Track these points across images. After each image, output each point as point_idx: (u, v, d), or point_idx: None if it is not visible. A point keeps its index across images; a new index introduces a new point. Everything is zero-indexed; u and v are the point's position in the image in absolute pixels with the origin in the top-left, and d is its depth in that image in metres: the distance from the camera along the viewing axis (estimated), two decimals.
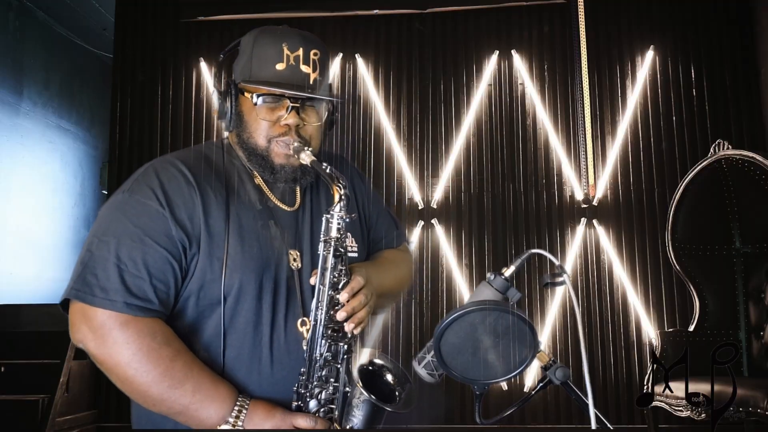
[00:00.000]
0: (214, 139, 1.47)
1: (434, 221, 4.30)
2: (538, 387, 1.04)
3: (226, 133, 1.44)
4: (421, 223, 4.31)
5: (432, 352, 1.04)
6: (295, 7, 4.56)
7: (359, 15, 4.56)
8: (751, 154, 3.19)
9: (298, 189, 1.40)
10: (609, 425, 0.97)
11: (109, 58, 5.26)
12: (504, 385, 4.07)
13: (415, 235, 4.30)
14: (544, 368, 1.02)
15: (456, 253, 4.26)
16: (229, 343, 1.25)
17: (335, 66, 4.51)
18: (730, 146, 3.34)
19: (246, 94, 1.30)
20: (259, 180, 1.36)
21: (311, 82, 1.29)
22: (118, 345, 1.15)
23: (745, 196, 3.45)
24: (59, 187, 5.99)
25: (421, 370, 1.10)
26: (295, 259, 1.31)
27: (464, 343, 0.99)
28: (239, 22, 4.54)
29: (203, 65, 4.55)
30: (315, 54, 1.31)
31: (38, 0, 5.51)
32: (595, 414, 0.93)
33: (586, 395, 0.96)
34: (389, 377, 1.26)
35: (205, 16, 4.57)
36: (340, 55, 4.53)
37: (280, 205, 1.36)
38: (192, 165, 1.30)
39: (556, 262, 1.03)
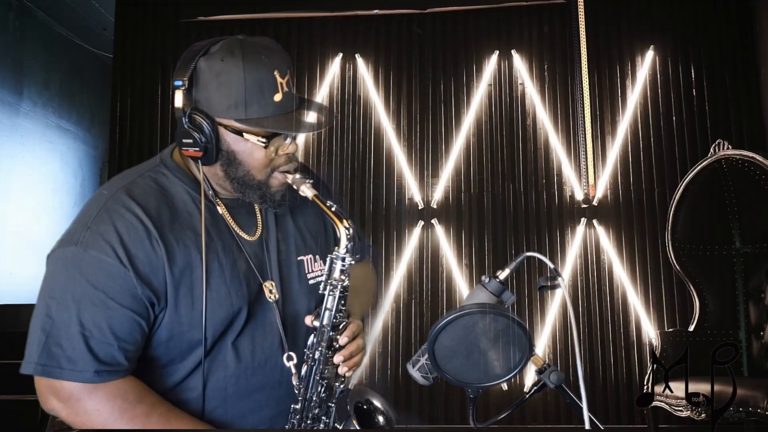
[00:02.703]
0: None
1: (434, 221, 4.30)
2: (533, 390, 1.04)
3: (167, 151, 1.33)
4: (421, 223, 4.31)
5: (426, 355, 1.04)
6: (295, 7, 4.56)
7: (359, 15, 4.56)
8: (751, 154, 3.19)
9: (258, 214, 1.32)
10: (600, 426, 0.97)
11: (109, 58, 5.26)
12: (504, 386, 4.07)
13: (415, 235, 4.30)
14: (539, 372, 1.01)
15: (456, 253, 4.26)
16: (209, 385, 1.22)
17: (335, 66, 4.51)
18: (730, 146, 3.33)
19: (245, 135, 1.18)
20: (222, 209, 1.27)
21: (297, 101, 1.23)
22: (89, 413, 1.12)
23: (745, 196, 3.45)
24: (59, 187, 6.00)
25: (415, 373, 1.10)
26: (271, 291, 1.26)
27: (458, 347, 0.99)
28: (239, 22, 4.54)
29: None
30: (291, 68, 1.23)
31: (38, 0, 5.51)
32: (590, 417, 0.93)
33: (580, 398, 0.96)
34: (381, 418, 1.24)
35: (205, 16, 4.57)
36: (340, 55, 4.53)
37: (244, 235, 1.28)
38: (149, 206, 1.18)
39: (551, 266, 1.02)
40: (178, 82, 1.21)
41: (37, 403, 3.80)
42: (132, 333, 1.14)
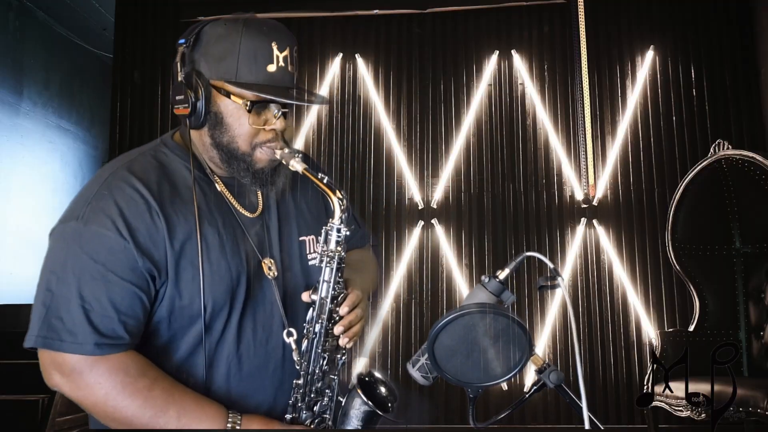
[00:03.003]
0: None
1: (434, 221, 4.30)
2: (532, 390, 1.04)
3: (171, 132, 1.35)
4: (421, 223, 4.31)
5: (426, 355, 1.04)
6: (295, 7, 4.56)
7: (359, 15, 4.56)
8: (751, 154, 3.19)
9: (259, 192, 1.32)
10: (600, 426, 0.97)
11: (109, 58, 5.26)
12: (504, 385, 4.07)
13: (415, 235, 4.30)
14: (538, 371, 1.01)
15: (456, 253, 4.26)
16: (211, 362, 1.22)
17: (335, 66, 4.52)
18: (730, 146, 3.33)
19: (233, 97, 1.20)
20: (221, 186, 1.28)
21: (295, 82, 1.24)
22: (90, 386, 1.12)
23: (745, 196, 3.45)
24: (59, 187, 6.00)
25: (415, 373, 1.10)
26: (270, 268, 1.26)
27: (458, 346, 0.99)
28: None
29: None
30: (295, 51, 1.24)
31: (38, 0, 5.51)
32: (589, 417, 0.93)
33: (580, 397, 0.96)
34: (383, 389, 1.24)
35: (205, 16, 4.53)
36: (340, 55, 4.53)
37: (244, 213, 1.28)
38: (149, 181, 1.19)
39: (551, 266, 1.02)
40: (182, 41, 1.26)
41: (37, 403, 3.78)
42: (132, 306, 1.14)
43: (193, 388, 1.20)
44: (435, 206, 4.32)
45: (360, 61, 4.51)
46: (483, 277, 1.07)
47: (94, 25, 5.90)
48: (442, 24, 4.53)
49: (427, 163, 4.39)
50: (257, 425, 1.17)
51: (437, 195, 4.32)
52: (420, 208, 4.33)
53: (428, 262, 4.28)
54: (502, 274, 1.07)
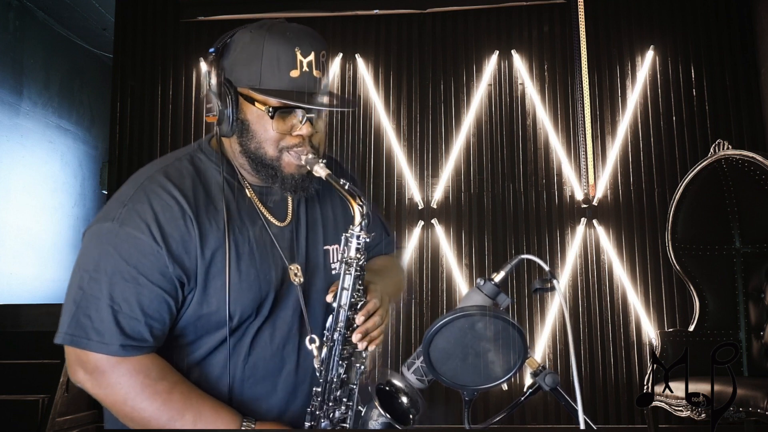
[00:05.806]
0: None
1: (434, 221, 4.30)
2: (528, 393, 1.04)
3: (207, 137, 1.35)
4: (421, 223, 4.31)
5: (421, 358, 1.04)
6: (295, 7, 4.56)
7: (359, 15, 4.56)
8: (751, 154, 3.19)
9: (290, 201, 1.33)
10: (593, 426, 0.97)
11: (109, 58, 5.26)
12: (504, 385, 4.07)
13: (415, 235, 4.30)
14: (534, 374, 1.01)
15: (456, 253, 4.26)
16: (226, 363, 1.23)
17: (335, 66, 4.52)
18: (730, 146, 3.33)
19: (257, 104, 1.20)
20: (251, 194, 1.28)
21: (322, 88, 1.23)
22: (112, 386, 1.14)
23: (745, 196, 3.45)
24: (59, 187, 6.00)
25: (410, 376, 1.10)
26: (296, 274, 1.27)
27: (453, 349, 0.99)
28: (239, 22, 4.52)
29: (203, 65, 4.54)
30: (323, 56, 1.24)
31: (38, 0, 5.52)
32: (585, 420, 0.93)
33: (575, 399, 0.95)
34: (404, 399, 1.22)
35: (205, 16, 4.57)
36: (340, 55, 4.53)
37: (274, 221, 1.29)
38: (185, 187, 1.20)
39: (546, 268, 1.02)
40: (211, 50, 1.27)
41: (37, 403, 3.79)
42: (159, 311, 1.16)
43: (207, 387, 1.22)
44: (435, 206, 4.32)
45: (360, 61, 4.51)
46: (478, 280, 1.06)
47: (94, 25, 5.91)
48: (442, 24, 4.53)
49: (427, 163, 4.39)
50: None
51: (437, 195, 4.32)
52: (420, 208, 4.33)
53: (428, 262, 4.28)
54: (498, 277, 1.07)
